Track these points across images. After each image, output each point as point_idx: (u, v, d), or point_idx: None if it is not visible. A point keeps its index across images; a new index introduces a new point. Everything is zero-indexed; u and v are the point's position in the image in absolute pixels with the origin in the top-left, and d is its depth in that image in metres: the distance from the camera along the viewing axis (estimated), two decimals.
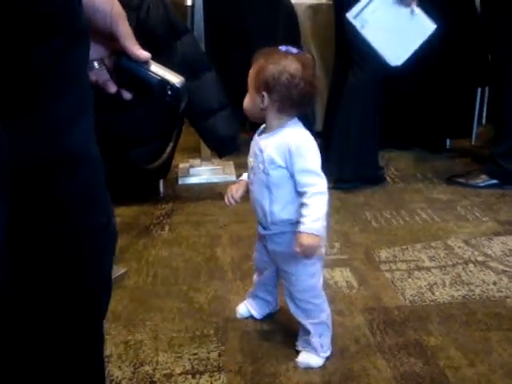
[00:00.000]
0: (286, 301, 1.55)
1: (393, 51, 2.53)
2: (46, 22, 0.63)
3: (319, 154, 1.42)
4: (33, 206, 0.72)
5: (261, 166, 1.44)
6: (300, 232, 1.37)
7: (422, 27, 2.52)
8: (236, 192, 1.56)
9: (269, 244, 1.53)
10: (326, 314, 1.52)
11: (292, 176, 1.41)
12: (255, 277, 1.72)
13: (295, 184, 1.41)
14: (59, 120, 0.69)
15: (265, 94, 1.40)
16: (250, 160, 1.50)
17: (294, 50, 1.42)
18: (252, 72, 1.42)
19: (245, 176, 1.57)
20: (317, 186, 1.39)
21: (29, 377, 0.80)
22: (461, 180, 2.92)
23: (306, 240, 1.36)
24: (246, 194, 1.56)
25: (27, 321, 0.77)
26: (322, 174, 1.40)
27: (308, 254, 1.38)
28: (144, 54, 0.78)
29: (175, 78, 0.76)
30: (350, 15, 2.52)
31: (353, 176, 2.86)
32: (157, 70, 0.76)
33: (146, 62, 0.77)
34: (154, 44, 2.46)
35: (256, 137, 1.49)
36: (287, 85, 1.38)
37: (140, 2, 2.43)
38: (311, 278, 1.49)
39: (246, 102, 1.45)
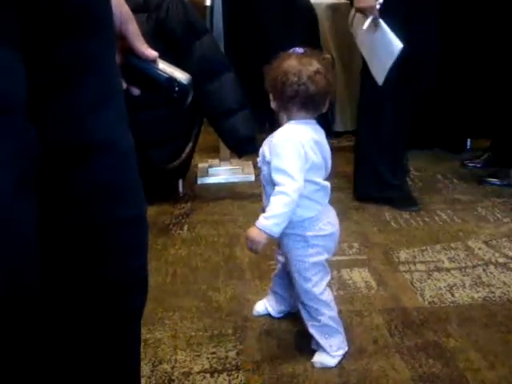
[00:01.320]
0: (296, 301, 1.57)
1: (374, 68, 2.43)
2: (79, 18, 0.68)
3: (300, 155, 1.40)
4: (56, 195, 0.72)
5: (259, 161, 1.51)
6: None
7: (390, 46, 2.29)
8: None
9: (280, 241, 1.56)
10: (327, 317, 1.51)
11: None
12: (273, 274, 1.74)
13: None
14: (82, 108, 0.71)
15: (271, 96, 1.45)
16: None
17: (300, 50, 1.43)
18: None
19: None
20: (283, 186, 1.39)
21: (58, 377, 0.80)
22: (493, 180, 2.85)
23: (251, 232, 1.41)
24: (258, 191, 1.62)
25: (55, 319, 0.77)
26: (295, 176, 1.39)
27: (251, 246, 1.42)
28: (152, 53, 0.80)
29: (182, 76, 0.79)
30: (349, 24, 2.49)
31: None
32: (164, 67, 0.78)
33: (153, 61, 0.80)
34: (174, 44, 2.48)
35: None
36: (279, 82, 1.41)
37: (159, 2, 2.45)
38: (307, 283, 1.49)
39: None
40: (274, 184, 1.43)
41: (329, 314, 1.51)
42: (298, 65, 1.40)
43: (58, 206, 0.73)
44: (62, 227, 0.74)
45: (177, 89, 0.79)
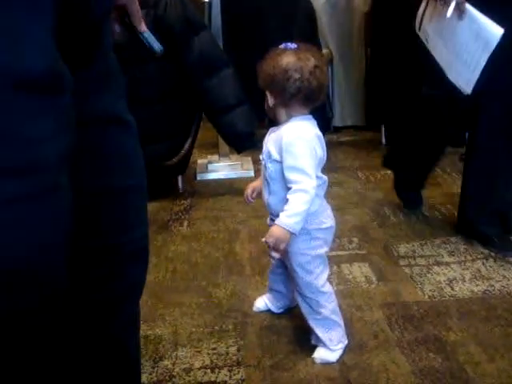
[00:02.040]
0: (295, 295, 1.57)
1: (459, 73, 1.96)
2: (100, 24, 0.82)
3: (312, 153, 1.41)
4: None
5: (264, 158, 1.49)
6: (274, 224, 1.41)
7: (485, 36, 1.82)
8: (251, 193, 1.62)
9: (268, 221, 1.56)
10: (328, 310, 1.52)
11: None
12: (270, 268, 1.74)
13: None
14: (89, 86, 0.81)
15: (267, 92, 1.44)
16: (262, 155, 1.53)
17: (293, 46, 1.43)
18: (260, 69, 1.46)
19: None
20: (301, 184, 1.40)
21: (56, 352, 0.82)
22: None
23: (274, 232, 1.40)
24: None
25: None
26: (311, 174, 1.40)
27: (274, 246, 1.41)
28: (143, 28, 0.98)
29: (156, 46, 1.01)
30: (416, 27, 2.13)
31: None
32: (147, 38, 1.00)
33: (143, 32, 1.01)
34: (172, 40, 2.47)
35: (270, 133, 1.52)
36: (281, 79, 1.40)
37: None
38: (309, 275, 1.50)
39: (268, 102, 1.47)
40: (284, 182, 1.43)
41: (329, 306, 1.52)
42: (297, 61, 1.39)
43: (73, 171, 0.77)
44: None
45: (152, 51, 1.02)
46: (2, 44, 0.59)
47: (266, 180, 1.49)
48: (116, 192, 0.86)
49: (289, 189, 1.41)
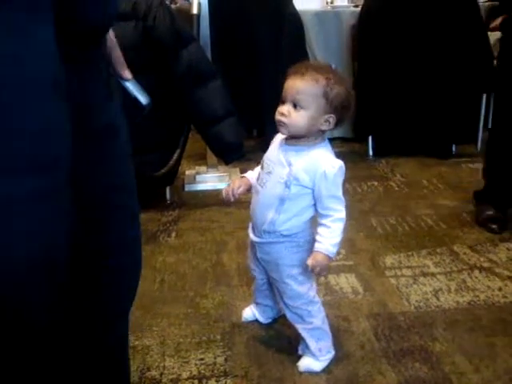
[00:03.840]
0: (281, 307, 1.57)
1: None
2: (100, 33, 0.80)
3: None
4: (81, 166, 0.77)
5: (283, 177, 1.41)
6: (317, 251, 1.40)
7: None
8: (237, 188, 1.52)
9: (258, 252, 1.54)
10: (319, 320, 1.53)
11: (315, 196, 1.41)
12: (254, 284, 1.74)
13: (313, 203, 1.43)
14: (98, 98, 0.83)
15: (328, 115, 1.38)
16: (269, 164, 1.46)
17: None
18: (306, 88, 1.36)
19: (249, 174, 1.55)
20: (341, 212, 1.41)
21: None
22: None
23: (322, 260, 1.40)
24: (245, 198, 1.58)
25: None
26: (344, 200, 1.42)
27: (319, 272, 1.43)
28: (127, 75, 0.96)
29: (143, 98, 0.97)
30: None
31: None
32: (133, 88, 0.96)
33: (127, 80, 0.97)
34: (161, 52, 2.49)
35: (283, 145, 1.44)
36: (345, 103, 1.39)
37: (147, 11, 2.46)
38: (301, 286, 1.50)
39: (298, 118, 1.37)
40: (301, 203, 1.43)
41: (320, 316, 1.53)
42: (343, 82, 1.40)
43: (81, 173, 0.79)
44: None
45: (137, 105, 0.98)
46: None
47: (279, 199, 1.43)
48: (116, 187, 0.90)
49: (315, 211, 1.44)
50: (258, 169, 1.53)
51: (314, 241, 1.47)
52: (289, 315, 1.55)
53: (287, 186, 1.41)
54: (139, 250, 1.00)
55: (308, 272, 1.49)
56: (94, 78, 0.81)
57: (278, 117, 1.38)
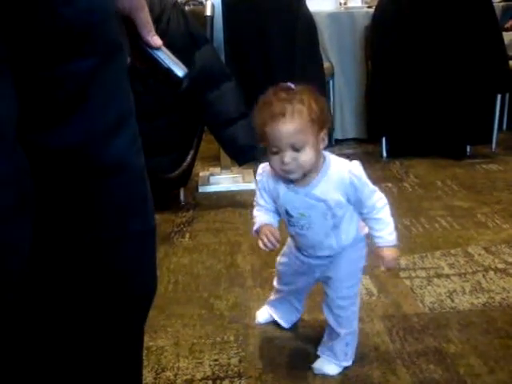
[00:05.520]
0: (324, 308, 1.53)
1: None
2: (83, 38, 0.67)
3: None
4: (71, 212, 0.75)
5: (325, 213, 1.38)
6: (380, 247, 1.41)
7: None
8: (273, 233, 1.40)
9: (312, 260, 1.51)
10: (357, 323, 1.53)
11: (352, 203, 1.39)
12: (281, 285, 1.68)
13: (353, 208, 1.41)
14: (96, 133, 0.72)
15: (321, 133, 1.34)
16: (295, 213, 1.40)
17: (291, 85, 1.33)
18: (297, 128, 1.28)
19: (265, 220, 1.45)
20: (382, 200, 1.40)
21: (66, 378, 0.82)
22: None
23: (389, 253, 1.41)
24: None
25: (64, 323, 0.79)
26: (374, 187, 1.40)
27: (392, 265, 1.44)
28: (156, 42, 0.83)
29: (178, 68, 0.84)
30: None
31: None
32: (165, 58, 0.83)
33: (157, 48, 0.84)
34: (174, 54, 2.50)
35: (295, 189, 1.38)
36: (325, 111, 1.35)
37: (160, 13, 2.47)
38: (354, 286, 1.50)
39: (306, 158, 1.30)
40: (350, 214, 1.41)
41: (357, 318, 1.53)
42: (310, 92, 1.34)
43: (73, 220, 0.76)
44: (76, 241, 0.77)
45: (172, 78, 0.84)
46: None
47: (334, 229, 1.41)
48: (110, 241, 0.82)
49: (359, 213, 1.42)
50: (266, 205, 1.47)
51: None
52: (329, 317, 1.51)
53: (334, 216, 1.39)
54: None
55: (361, 271, 1.50)
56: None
57: (283, 167, 1.31)
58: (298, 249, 1.52)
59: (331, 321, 1.51)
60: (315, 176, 1.36)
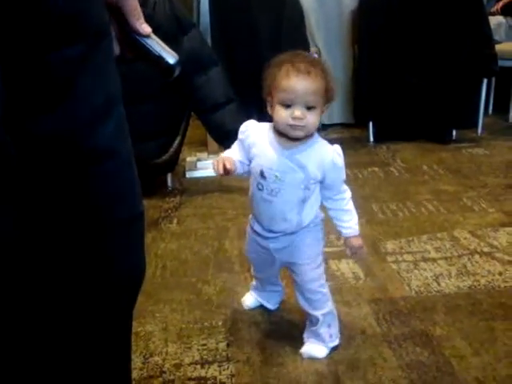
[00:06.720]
0: (296, 293, 1.56)
1: None
2: (71, 24, 0.65)
3: None
4: (58, 199, 0.74)
5: (300, 183, 1.41)
6: (349, 237, 1.49)
7: None
8: (229, 161, 1.42)
9: (271, 243, 1.52)
10: (331, 303, 1.55)
11: (325, 185, 1.44)
12: (256, 273, 1.72)
13: (319, 191, 1.46)
14: (83, 119, 0.71)
15: (324, 106, 1.39)
16: (273, 173, 1.40)
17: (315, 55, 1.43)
18: (317, 89, 1.32)
19: (233, 156, 1.48)
20: (348, 191, 1.48)
21: (54, 369, 0.82)
22: None
23: (357, 242, 1.49)
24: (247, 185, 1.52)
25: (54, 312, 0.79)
26: None
27: (360, 253, 1.52)
28: (145, 30, 0.81)
29: (169, 55, 0.82)
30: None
31: None
32: (155, 45, 0.82)
33: (147, 36, 0.83)
34: (161, 39, 2.48)
35: (281, 150, 1.39)
36: (333, 88, 1.38)
37: None
38: (318, 269, 1.52)
39: (313, 119, 1.34)
40: (315, 194, 1.45)
41: (330, 298, 1.55)
42: (328, 69, 1.39)
43: (60, 208, 0.75)
44: (63, 229, 0.76)
45: (163, 66, 0.83)
46: None
47: (301, 201, 1.43)
48: (98, 228, 0.80)
49: (325, 198, 1.48)
50: (235, 154, 1.49)
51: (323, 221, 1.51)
52: (302, 302, 1.54)
53: (307, 188, 1.42)
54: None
55: (321, 255, 1.52)
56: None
57: (292, 122, 1.32)
58: (256, 226, 1.53)
59: (306, 306, 1.54)
60: (304, 144, 1.40)
